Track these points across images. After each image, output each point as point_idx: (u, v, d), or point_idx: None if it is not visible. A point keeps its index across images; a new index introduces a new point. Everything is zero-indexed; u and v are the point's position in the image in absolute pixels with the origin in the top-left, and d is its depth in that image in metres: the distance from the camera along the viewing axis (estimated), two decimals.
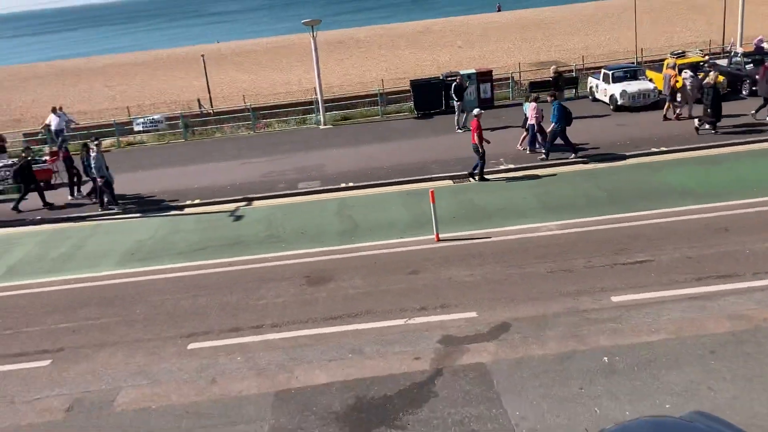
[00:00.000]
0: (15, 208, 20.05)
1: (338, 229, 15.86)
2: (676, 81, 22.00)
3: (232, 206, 18.66)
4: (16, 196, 21.64)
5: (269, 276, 13.43)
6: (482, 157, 18.36)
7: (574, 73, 29.39)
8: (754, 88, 22.94)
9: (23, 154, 21.08)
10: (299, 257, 14.30)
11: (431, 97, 27.03)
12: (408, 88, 28.48)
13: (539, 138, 20.00)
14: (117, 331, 11.71)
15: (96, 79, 60.25)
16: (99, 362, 10.68)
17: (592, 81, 26.59)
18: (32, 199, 20.87)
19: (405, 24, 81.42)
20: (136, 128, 28.53)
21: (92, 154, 18.99)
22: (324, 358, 10.09)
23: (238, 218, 17.61)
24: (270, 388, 9.47)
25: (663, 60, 26.74)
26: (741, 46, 28.00)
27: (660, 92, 24.10)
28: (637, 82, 24.55)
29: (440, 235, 14.40)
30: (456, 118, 24.09)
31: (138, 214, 18.91)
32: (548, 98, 20.18)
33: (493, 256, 13.17)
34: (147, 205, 19.38)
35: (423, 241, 14.44)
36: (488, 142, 18.74)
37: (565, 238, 13.76)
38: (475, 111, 18.92)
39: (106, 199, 19.33)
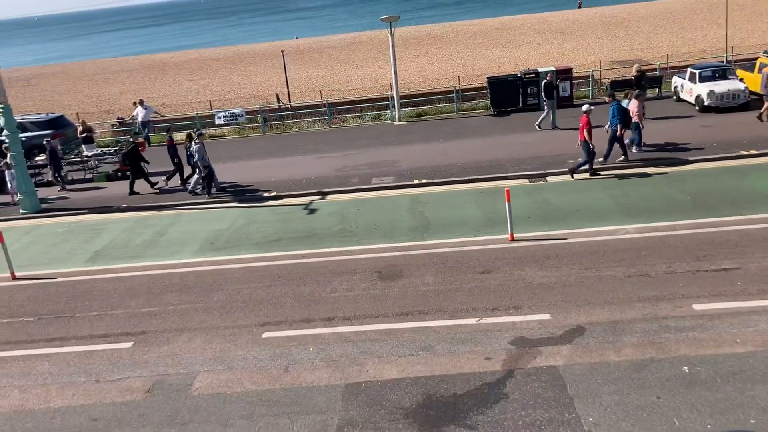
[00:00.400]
0: (153, 186, 21.13)
1: (410, 225, 15.88)
2: None
3: (306, 199, 18.97)
4: (103, 184, 22.73)
5: (341, 269, 13.58)
6: (591, 153, 17.88)
7: (657, 72, 28.40)
8: None
9: (131, 139, 22.23)
10: (371, 252, 14.40)
11: (508, 94, 26.68)
12: (484, 85, 28.22)
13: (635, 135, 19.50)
14: (195, 318, 12.11)
15: (180, 73, 62.40)
16: (178, 347, 11.08)
17: (676, 80, 25.65)
18: (120, 187, 21.84)
19: (482, 20, 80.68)
20: (217, 121, 29.39)
21: (195, 146, 19.67)
22: (394, 354, 10.13)
23: (312, 211, 17.88)
24: (340, 380, 9.59)
25: (755, 59, 25.50)
26: None
27: (752, 93, 23.03)
28: (727, 81, 23.49)
29: (514, 235, 14.21)
30: (542, 116, 23.52)
31: (219, 204, 19.48)
32: (606, 99, 19.48)
33: (568, 258, 12.89)
34: (226, 196, 19.94)
35: (496, 240, 14.28)
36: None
37: (644, 242, 13.33)
38: (585, 107, 18.18)
39: (212, 187, 20.02)
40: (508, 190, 14.30)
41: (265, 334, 11.18)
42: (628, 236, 13.73)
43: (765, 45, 33.99)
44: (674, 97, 25.64)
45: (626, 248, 13.09)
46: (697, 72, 24.07)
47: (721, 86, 23.13)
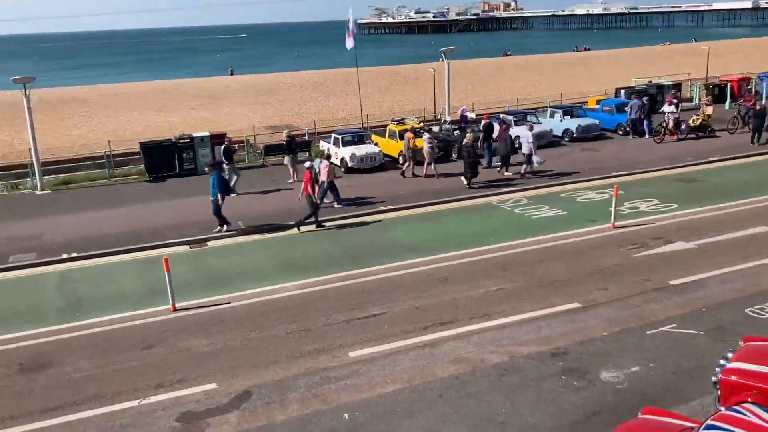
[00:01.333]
0: None
1: (59, 306, 14.31)
2: (415, 144, 24.22)
3: None
4: None
5: None
6: (316, 207, 19.02)
7: (306, 137, 30.56)
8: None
9: None
10: (10, 342, 12.57)
11: (164, 159, 26.14)
12: (138, 150, 27.23)
13: (332, 193, 20.90)
14: None
15: None
16: None
17: (323, 144, 27.89)
18: None
19: (134, 84, 78.27)
20: None
21: None
22: None
23: None
24: None
25: (386, 126, 29.09)
26: (449, 115, 31.61)
27: (385, 155, 26.16)
28: (365, 145, 26.29)
29: (177, 305, 13.73)
30: (234, 181, 23.17)
31: None
32: (206, 169, 20.41)
33: (233, 322, 12.88)
34: None
35: (158, 312, 13.63)
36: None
37: (304, 297, 13.99)
38: (307, 163, 19.42)
39: None
40: (166, 259, 13.83)
41: None
42: (289, 293, 14.27)
43: (392, 114, 39.01)
44: None
45: (288, 306, 13.58)
46: (340, 137, 26.55)
47: (360, 150, 25.81)
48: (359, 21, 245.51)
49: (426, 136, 24.40)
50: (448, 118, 29.63)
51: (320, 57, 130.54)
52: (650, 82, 39.52)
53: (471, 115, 30.74)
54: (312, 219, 19.18)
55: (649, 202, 20.23)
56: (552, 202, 20.74)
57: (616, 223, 17.89)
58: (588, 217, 18.97)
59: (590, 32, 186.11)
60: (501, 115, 28.82)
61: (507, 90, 54.82)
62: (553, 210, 19.92)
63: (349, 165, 25.64)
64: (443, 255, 16.19)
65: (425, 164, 24.27)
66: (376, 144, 27.18)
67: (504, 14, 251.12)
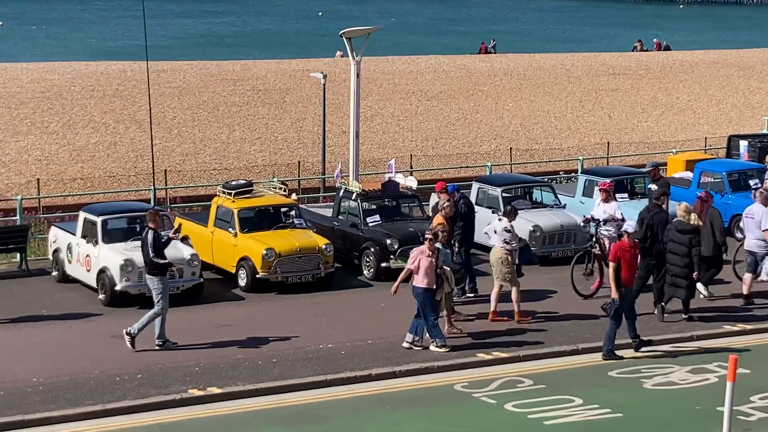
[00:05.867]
0: None
1: None
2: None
3: None
4: None
5: None
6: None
7: (18, 218, 17.53)
8: None
9: None
10: None
11: None
12: None
13: None
14: None
15: None
16: None
17: (58, 235, 16.11)
18: None
19: None
20: None
21: None
22: None
23: None
24: None
25: (208, 197, 15.54)
26: (357, 178, 19.37)
27: (204, 265, 12.53)
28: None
29: None
30: None
31: None
32: None
33: None
34: None
35: None
36: None
37: None
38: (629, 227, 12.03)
39: None
40: None
41: None
42: None
43: (225, 170, 24.23)
44: None
45: None
46: (99, 221, 13.71)
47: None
48: None
49: (500, 225, 12.39)
50: (357, 186, 15.59)
51: (80, 30, 71.36)
52: None
53: (406, 182, 16.71)
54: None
55: None
56: (587, 388, 10.74)
57: None
58: (668, 427, 9.76)
59: (668, 8, 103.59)
60: (471, 186, 15.31)
61: (486, 128, 32.22)
62: (589, 407, 10.12)
63: (119, 287, 11.62)
64: None
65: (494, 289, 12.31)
66: (184, 238, 12.99)
67: None
